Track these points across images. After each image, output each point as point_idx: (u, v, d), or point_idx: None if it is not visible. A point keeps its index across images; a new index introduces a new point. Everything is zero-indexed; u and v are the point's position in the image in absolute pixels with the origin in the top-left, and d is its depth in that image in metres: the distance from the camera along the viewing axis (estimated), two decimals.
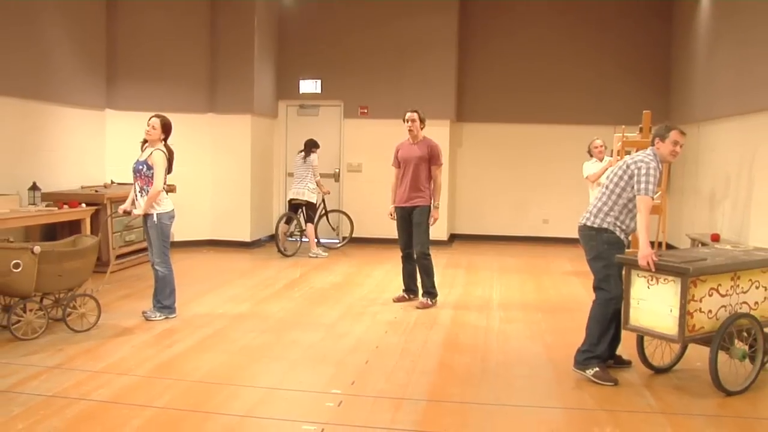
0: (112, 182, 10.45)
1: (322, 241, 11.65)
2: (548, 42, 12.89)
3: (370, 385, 5.21)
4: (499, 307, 7.90)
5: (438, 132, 11.73)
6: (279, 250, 10.92)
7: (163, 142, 6.86)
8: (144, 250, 9.34)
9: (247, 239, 11.70)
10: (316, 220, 11.26)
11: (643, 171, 5.28)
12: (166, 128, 6.86)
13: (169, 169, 6.85)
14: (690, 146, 10.94)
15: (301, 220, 11.17)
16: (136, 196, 6.90)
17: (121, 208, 7.10)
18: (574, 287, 9.10)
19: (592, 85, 12.77)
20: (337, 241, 12.27)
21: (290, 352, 6.01)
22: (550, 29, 12.88)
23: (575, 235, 12.89)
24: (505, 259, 11.28)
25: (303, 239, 11.32)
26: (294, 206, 11.09)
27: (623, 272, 5.37)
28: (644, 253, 5.10)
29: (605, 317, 5.45)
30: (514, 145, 13.10)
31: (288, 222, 11.17)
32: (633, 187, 5.33)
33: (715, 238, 9.06)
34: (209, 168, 11.56)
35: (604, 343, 5.46)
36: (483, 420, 4.63)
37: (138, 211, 6.80)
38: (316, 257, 10.91)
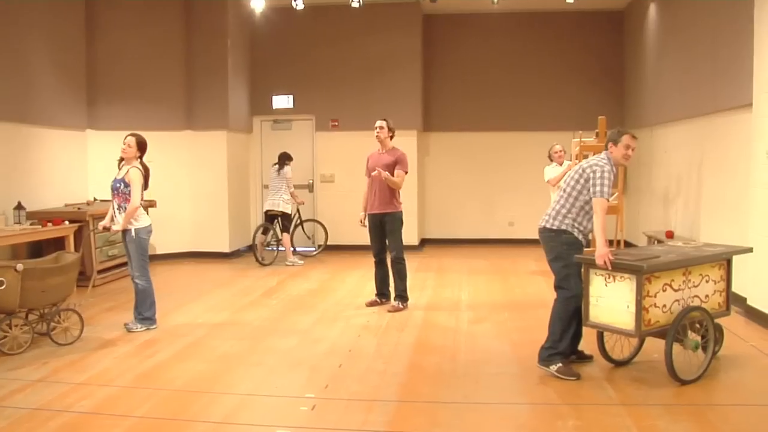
0: (95, 199, 10.32)
1: (298, 249, 11.60)
2: (509, 53, 12.99)
3: (344, 388, 5.17)
4: (468, 308, 7.91)
5: (406, 142, 11.71)
6: (257, 260, 10.85)
7: (139, 160, 6.79)
8: (126, 264, 9.28)
9: (227, 250, 11.61)
10: (291, 229, 11.22)
11: (598, 174, 5.31)
12: (141, 146, 6.80)
13: (145, 186, 6.79)
14: (644, 148, 11.06)
15: (278, 230, 11.11)
16: (114, 212, 6.82)
17: (101, 224, 7.02)
18: (539, 286, 9.13)
19: (551, 93, 12.87)
20: (313, 249, 12.22)
21: (267, 358, 5.96)
22: (510, 41, 12.98)
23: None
24: (473, 261, 11.30)
25: (280, 248, 11.26)
26: (270, 217, 11.04)
27: (582, 271, 5.40)
28: (601, 252, 5.12)
29: (567, 315, 5.47)
30: (479, 152, 13.15)
31: (265, 232, 11.11)
32: (589, 190, 5.36)
33: (670, 235, 9.16)
34: (188, 182, 11.46)
35: (566, 340, 5.47)
36: (452, 418, 4.61)
37: (117, 227, 6.72)
38: (293, 265, 10.85)
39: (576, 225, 5.48)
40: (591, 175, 5.36)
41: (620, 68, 12.81)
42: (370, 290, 8.41)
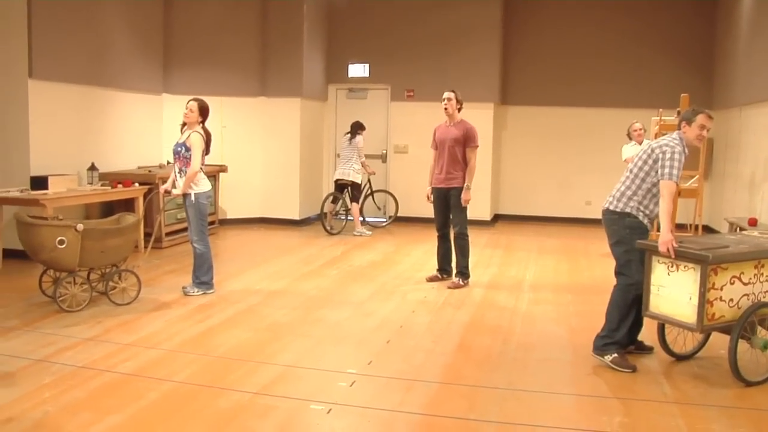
0: (168, 163, 10.47)
1: (367, 219, 11.51)
2: (592, 25, 12.39)
3: (387, 366, 5.05)
4: (531, 289, 7.64)
5: (482, 115, 11.48)
6: (325, 229, 10.82)
7: (201, 125, 6.79)
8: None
9: (296, 217, 11.64)
10: (361, 199, 11.12)
11: (668, 155, 4.96)
12: (203, 111, 6.78)
13: (206, 151, 6.79)
14: (732, 130, 10.42)
15: (347, 199, 11.05)
16: (175, 176, 6.86)
17: (162, 188, 7.08)
18: (608, 269, 8.64)
19: (636, 69, 12.25)
20: (383, 220, 12.11)
21: (315, 330, 5.90)
22: (595, 13, 12.37)
23: None
24: (545, 240, 10.95)
25: (348, 218, 11.20)
26: (340, 186, 10.97)
27: (645, 258, 5.08)
28: (664, 239, 4.80)
29: (625, 303, 5.18)
30: (558, 127, 12.68)
31: (334, 201, 11.07)
32: (657, 172, 5.01)
33: (753, 222, 8.57)
34: (260, 149, 11.52)
35: (623, 329, 5.18)
36: (491, 404, 4.42)
37: (177, 191, 6.76)
38: (361, 236, 10.78)
39: (641, 208, 5.15)
40: (660, 155, 5.01)
41: (709, 44, 12.02)
42: (433, 265, 8.24)
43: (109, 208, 9.18)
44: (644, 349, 5.46)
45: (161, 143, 10.79)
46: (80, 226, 6.05)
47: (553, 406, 4.44)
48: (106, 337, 5.49)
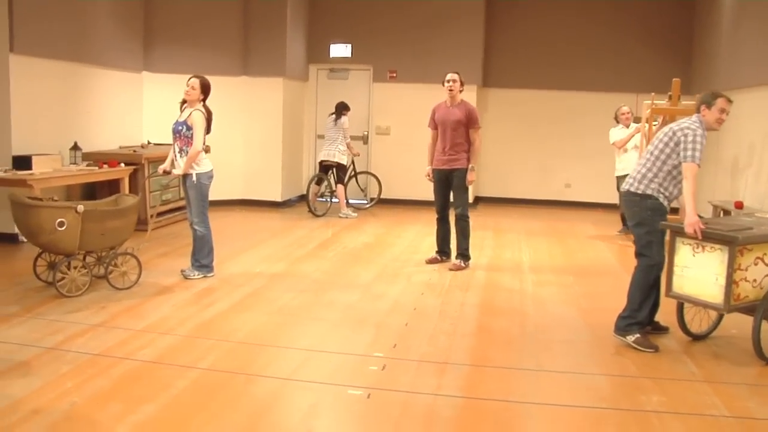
0: (149, 143, 10.18)
1: (350, 201, 11.37)
2: (572, 11, 12.36)
3: (413, 349, 4.95)
4: (531, 270, 7.60)
5: (465, 97, 11.27)
6: (310, 210, 10.64)
7: (202, 103, 6.54)
8: (180, 209, 9.16)
9: (278, 199, 11.42)
10: (346, 181, 10.95)
11: (690, 138, 4.95)
12: (206, 89, 6.53)
13: (207, 130, 6.54)
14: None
15: (332, 181, 10.87)
16: (175, 156, 6.60)
17: (161, 168, 6.83)
18: (601, 251, 8.79)
19: (616, 53, 12.28)
20: (365, 201, 11.96)
21: (329, 313, 5.76)
22: None
23: (597, 199, 12.62)
24: (530, 222, 10.94)
25: (333, 200, 11.03)
26: (325, 167, 10.77)
27: (668, 239, 5.07)
28: (691, 220, 4.79)
29: (647, 283, 5.18)
30: (539, 110, 12.66)
31: (318, 183, 10.87)
32: (679, 154, 4.99)
33: (739, 205, 8.68)
34: (242, 129, 11.22)
35: (645, 310, 5.19)
36: (527, 386, 4.37)
37: (177, 171, 6.51)
38: (346, 218, 10.62)
39: (662, 190, 5.14)
40: (682, 138, 4.99)
41: (688, 29, 12.11)
42: (428, 246, 8.19)
43: (91, 190, 8.88)
44: (660, 329, 5.47)
45: (141, 122, 10.45)
46: (80, 207, 5.77)
47: (589, 386, 4.41)
48: (114, 323, 5.27)
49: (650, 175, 5.16)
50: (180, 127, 6.48)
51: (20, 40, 7.79)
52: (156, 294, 6.11)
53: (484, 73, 12.43)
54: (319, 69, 12.48)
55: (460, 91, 7.53)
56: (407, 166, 12.06)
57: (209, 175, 6.59)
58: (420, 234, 9.39)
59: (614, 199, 12.54)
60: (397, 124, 12.16)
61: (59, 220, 5.68)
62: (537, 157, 12.76)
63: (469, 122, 7.38)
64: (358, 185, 11.72)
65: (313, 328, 5.36)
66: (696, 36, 12.00)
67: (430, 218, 9.11)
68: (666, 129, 5.23)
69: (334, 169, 10.74)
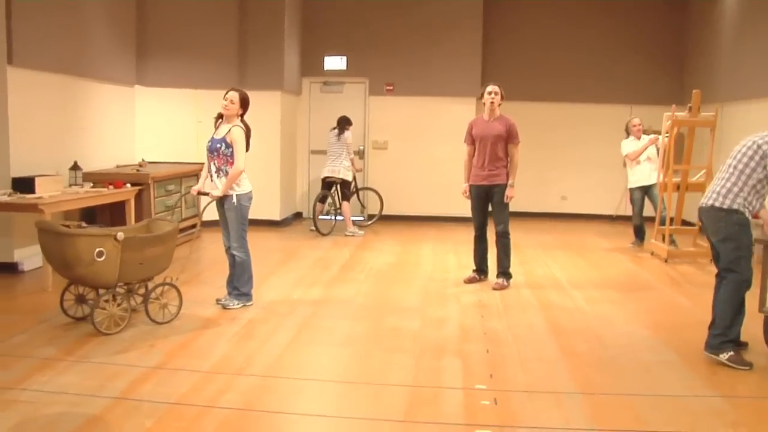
0: (143, 161, 9.54)
1: (353, 219, 10.90)
2: (568, 23, 12.19)
3: (511, 378, 4.57)
4: (573, 287, 7.28)
5: (464, 110, 11.11)
6: (317, 229, 10.13)
7: (240, 118, 6.04)
8: (184, 230, 8.53)
9: (277, 218, 10.87)
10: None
11: None
12: (245, 103, 6.02)
13: (246, 147, 6.02)
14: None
15: (336, 198, 10.39)
16: (211, 176, 6.06)
17: (194, 189, 6.29)
18: (625, 264, 8.59)
19: (610, 65, 12.16)
20: (362, 218, 11.48)
21: (402, 342, 5.31)
22: (571, 10, 12.18)
23: (593, 211, 12.44)
24: (537, 235, 10.62)
25: (337, 218, 10.54)
26: (328, 184, 10.30)
27: (762, 254, 4.84)
28: None
29: (737, 300, 4.96)
30: (536, 123, 12.38)
31: (323, 200, 10.37)
32: (765, 167, 4.80)
33: (756, 216, 8.57)
34: None
35: (736, 326, 4.99)
36: (652, 412, 4.05)
37: (216, 192, 5.96)
38: (353, 236, 10.16)
39: (746, 204, 4.96)
40: None
41: (678, 42, 12.10)
42: (455, 265, 7.85)
43: (90, 213, 8.21)
44: (740, 345, 5.24)
45: (133, 139, 9.80)
46: (120, 235, 5.21)
47: (714, 410, 4.13)
48: (174, 364, 4.71)
49: (735, 189, 4.95)
50: (218, 145, 5.94)
51: (18, 52, 7.14)
52: (201, 327, 5.56)
53: (484, 85, 12.11)
54: (312, 82, 11.99)
55: (499, 105, 7.17)
56: (406, 181, 11.70)
57: (249, 197, 6.08)
58: (438, 252, 9.02)
59: (611, 210, 12.45)
60: (395, 139, 11.78)
61: (98, 249, 5.10)
62: (533, 169, 12.48)
63: (509, 137, 7.06)
64: (360, 202, 11.27)
65: (397, 361, 4.90)
66: (690, 48, 11.97)
67: (438, 235, 8.77)
68: (748, 142, 5.01)
69: (339, 186, 10.28)
